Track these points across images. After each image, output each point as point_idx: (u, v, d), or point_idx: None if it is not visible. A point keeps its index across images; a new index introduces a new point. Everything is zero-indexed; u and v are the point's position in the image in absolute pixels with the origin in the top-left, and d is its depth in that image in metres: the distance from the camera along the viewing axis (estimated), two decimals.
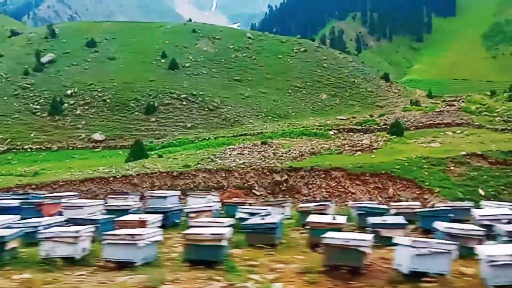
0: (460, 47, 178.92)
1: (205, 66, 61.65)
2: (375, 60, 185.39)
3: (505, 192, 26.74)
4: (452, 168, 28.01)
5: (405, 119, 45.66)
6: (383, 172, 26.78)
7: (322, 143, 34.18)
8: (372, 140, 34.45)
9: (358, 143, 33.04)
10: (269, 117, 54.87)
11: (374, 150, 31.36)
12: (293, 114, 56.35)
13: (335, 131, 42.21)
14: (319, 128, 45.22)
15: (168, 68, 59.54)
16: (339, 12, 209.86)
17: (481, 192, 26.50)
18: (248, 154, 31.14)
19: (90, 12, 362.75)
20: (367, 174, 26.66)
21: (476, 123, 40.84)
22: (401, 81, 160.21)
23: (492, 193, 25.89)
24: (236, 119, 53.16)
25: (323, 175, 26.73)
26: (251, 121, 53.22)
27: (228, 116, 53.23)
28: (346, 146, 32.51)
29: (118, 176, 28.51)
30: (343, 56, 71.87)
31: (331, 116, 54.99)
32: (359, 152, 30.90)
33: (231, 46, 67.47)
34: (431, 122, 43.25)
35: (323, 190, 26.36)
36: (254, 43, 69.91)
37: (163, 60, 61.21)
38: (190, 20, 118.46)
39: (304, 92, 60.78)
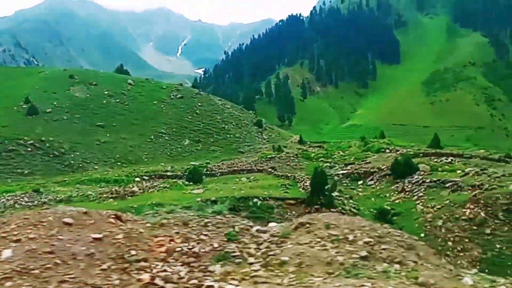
0: (401, 93, 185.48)
1: (68, 112, 62.54)
2: (321, 105, 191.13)
3: None
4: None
5: (228, 166, 47.04)
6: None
7: (96, 191, 34.76)
8: (146, 186, 35.19)
9: (124, 190, 33.72)
10: (119, 163, 55.46)
11: (129, 197, 32.03)
12: (146, 160, 57.09)
13: (146, 177, 42.88)
14: (146, 173, 45.83)
15: (27, 114, 60.20)
16: (288, 59, 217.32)
17: None
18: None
19: (49, 56, 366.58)
20: None
21: (270, 169, 42.03)
22: (343, 126, 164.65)
23: None
24: (81, 165, 53.58)
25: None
26: (96, 167, 53.66)
27: (73, 162, 53.64)
28: (110, 193, 33.13)
29: None
30: (221, 103, 73.68)
31: (185, 162, 55.88)
32: (111, 200, 31.50)
33: (106, 92, 68.82)
34: (249, 167, 44.46)
35: None
36: (133, 89, 71.48)
37: (24, 106, 61.94)
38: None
39: (167, 138, 61.86)
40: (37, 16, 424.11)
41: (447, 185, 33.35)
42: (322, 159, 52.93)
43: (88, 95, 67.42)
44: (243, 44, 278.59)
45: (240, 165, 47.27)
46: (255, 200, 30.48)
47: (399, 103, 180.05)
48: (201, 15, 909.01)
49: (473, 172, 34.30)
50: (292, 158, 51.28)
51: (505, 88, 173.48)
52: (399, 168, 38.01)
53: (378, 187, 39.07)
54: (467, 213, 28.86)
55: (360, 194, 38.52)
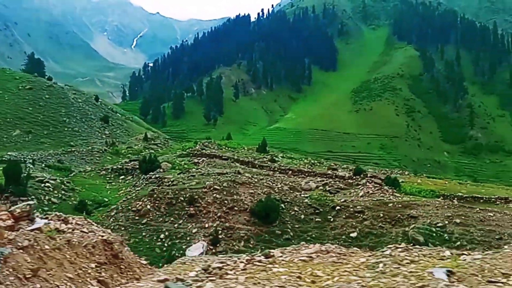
0: (331, 100, 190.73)
1: None
2: (253, 107, 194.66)
3: None
4: None
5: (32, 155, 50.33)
6: None
7: None
8: None
9: None
10: None
11: None
12: None
13: None
14: None
15: None
16: (227, 59, 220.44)
17: None
18: None
19: None
20: None
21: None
22: (268, 128, 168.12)
23: None
24: None
25: None
26: None
27: None
28: None
29: None
30: (74, 97, 75.71)
31: (4, 152, 57.89)
32: None
33: None
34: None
35: None
36: None
37: None
38: None
39: None
40: None
41: (159, 181, 36.72)
42: (129, 155, 56.08)
43: None
44: (186, 40, 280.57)
45: (32, 155, 49.92)
46: None
47: (327, 109, 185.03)
48: (160, 8, 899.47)
49: (196, 171, 37.88)
50: (95, 153, 54.13)
51: (426, 101, 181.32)
52: (144, 165, 41.29)
53: (126, 182, 42.30)
54: (138, 205, 32.16)
55: (107, 187, 41.71)
